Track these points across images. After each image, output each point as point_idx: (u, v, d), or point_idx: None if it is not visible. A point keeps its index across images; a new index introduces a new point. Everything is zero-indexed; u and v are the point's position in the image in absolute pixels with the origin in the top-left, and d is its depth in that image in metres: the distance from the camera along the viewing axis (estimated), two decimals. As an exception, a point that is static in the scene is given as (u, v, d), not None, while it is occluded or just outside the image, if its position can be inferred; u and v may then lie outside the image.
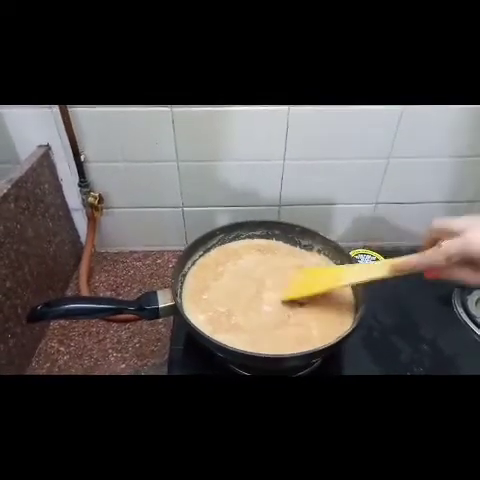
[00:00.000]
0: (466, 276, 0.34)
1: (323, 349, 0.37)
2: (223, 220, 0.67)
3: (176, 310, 0.43)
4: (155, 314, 0.43)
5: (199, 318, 0.44)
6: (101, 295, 0.63)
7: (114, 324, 0.58)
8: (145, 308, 0.43)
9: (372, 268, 0.43)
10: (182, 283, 0.48)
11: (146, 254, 0.71)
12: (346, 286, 0.46)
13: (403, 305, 0.51)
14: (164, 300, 0.43)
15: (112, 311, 0.43)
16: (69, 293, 0.63)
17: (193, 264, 0.51)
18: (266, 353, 0.37)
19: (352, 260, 0.49)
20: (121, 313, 0.44)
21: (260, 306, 0.45)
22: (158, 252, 0.71)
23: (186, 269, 0.50)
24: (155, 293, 0.44)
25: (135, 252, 0.71)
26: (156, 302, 0.43)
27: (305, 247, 0.54)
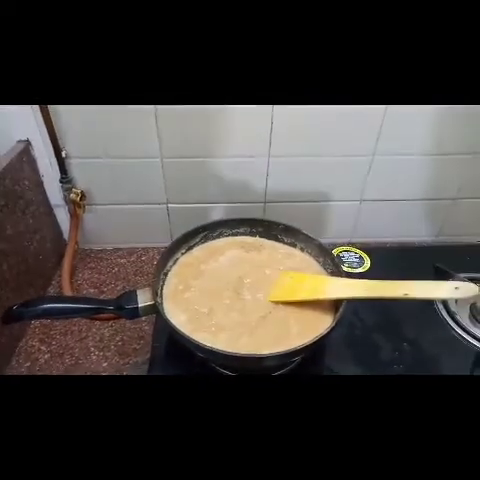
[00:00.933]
0: None
1: (301, 349, 0.37)
2: (208, 217, 0.67)
3: (156, 309, 0.42)
4: (135, 313, 0.42)
5: (180, 318, 0.44)
6: (84, 293, 0.63)
7: (97, 322, 0.57)
8: (125, 307, 0.42)
9: (356, 287, 0.44)
10: (164, 282, 0.48)
11: (130, 251, 0.70)
12: (331, 300, 0.45)
13: (384, 302, 0.51)
14: (144, 299, 0.42)
15: (91, 311, 0.43)
16: (51, 291, 0.62)
17: (175, 263, 0.50)
18: (244, 352, 0.37)
19: (334, 259, 0.49)
20: (101, 313, 0.44)
21: (241, 304, 0.45)
22: (143, 249, 0.71)
23: (168, 267, 0.50)
24: (135, 292, 0.43)
25: (119, 249, 0.71)
26: (136, 301, 0.42)
27: (288, 245, 0.54)
